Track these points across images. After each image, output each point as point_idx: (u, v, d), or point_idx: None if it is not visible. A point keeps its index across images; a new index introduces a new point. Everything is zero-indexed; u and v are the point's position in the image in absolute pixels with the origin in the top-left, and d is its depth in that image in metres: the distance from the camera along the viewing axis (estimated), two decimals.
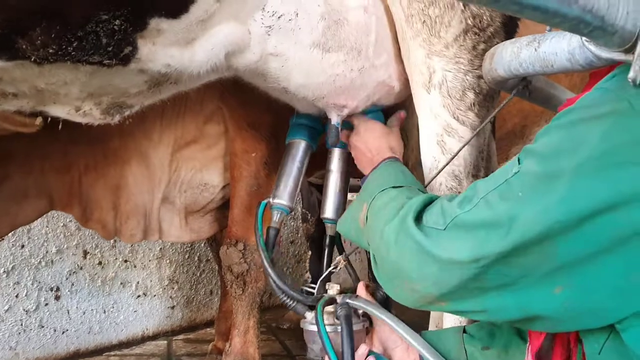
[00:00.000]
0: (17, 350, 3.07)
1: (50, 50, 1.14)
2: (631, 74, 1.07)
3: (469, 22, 1.66)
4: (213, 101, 2.19)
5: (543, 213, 0.98)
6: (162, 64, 1.34)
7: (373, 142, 1.71)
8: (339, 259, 1.82)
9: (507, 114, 2.34)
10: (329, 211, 1.92)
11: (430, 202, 1.23)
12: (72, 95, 1.38)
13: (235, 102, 2.16)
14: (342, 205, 1.93)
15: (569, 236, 0.97)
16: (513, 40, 1.50)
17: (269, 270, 1.80)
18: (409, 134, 2.05)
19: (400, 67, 1.81)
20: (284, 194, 1.91)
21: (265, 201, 1.93)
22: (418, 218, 1.19)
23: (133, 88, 1.42)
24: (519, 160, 1.07)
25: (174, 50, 1.33)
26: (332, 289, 1.69)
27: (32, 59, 1.15)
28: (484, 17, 1.67)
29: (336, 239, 2.00)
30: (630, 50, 1.09)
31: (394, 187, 1.43)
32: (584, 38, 1.14)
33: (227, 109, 2.20)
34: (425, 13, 1.65)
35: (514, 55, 1.42)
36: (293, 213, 3.98)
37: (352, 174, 1.96)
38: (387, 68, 1.79)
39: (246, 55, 1.49)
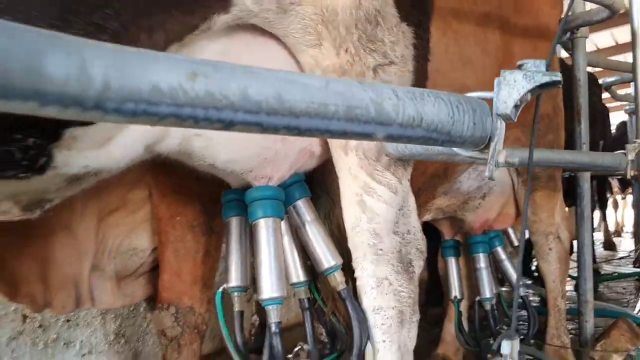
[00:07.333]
0: None
1: None
2: (487, 173, 1.16)
3: None
4: (135, 169, 2.12)
5: None
6: (79, 167, 1.31)
7: None
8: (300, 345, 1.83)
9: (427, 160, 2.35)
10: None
11: None
12: None
13: (158, 168, 2.08)
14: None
15: None
16: None
17: None
18: (336, 196, 2.04)
19: None
20: (236, 276, 1.88)
21: (221, 289, 1.90)
22: None
23: (52, 187, 1.38)
24: None
25: (89, 153, 1.30)
26: None
27: None
28: None
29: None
30: (486, 149, 1.17)
31: None
32: None
33: (150, 175, 2.16)
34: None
35: None
36: None
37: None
38: None
39: (166, 141, 1.48)
